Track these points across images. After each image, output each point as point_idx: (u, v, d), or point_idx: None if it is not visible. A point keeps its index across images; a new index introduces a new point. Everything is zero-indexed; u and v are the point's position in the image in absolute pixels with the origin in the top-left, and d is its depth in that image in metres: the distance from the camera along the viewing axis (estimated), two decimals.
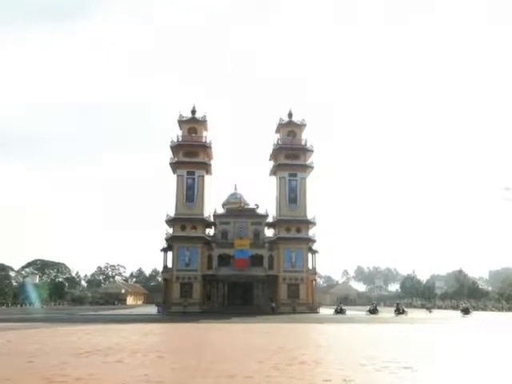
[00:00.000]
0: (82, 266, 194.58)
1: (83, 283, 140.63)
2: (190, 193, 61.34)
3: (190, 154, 62.44)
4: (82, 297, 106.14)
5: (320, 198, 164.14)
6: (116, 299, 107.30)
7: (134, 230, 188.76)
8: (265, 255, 60.71)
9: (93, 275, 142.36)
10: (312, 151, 63.54)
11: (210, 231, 63.96)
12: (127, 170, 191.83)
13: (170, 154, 63.23)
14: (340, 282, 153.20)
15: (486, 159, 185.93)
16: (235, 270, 58.42)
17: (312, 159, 63.79)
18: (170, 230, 61.42)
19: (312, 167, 63.28)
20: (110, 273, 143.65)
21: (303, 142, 64.19)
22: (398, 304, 51.25)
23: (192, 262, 59.38)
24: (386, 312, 55.89)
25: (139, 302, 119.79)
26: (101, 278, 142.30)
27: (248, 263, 58.51)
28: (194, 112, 64.33)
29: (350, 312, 55.32)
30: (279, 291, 59.64)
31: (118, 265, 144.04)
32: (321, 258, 70.33)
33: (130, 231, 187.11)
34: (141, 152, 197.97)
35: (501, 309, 71.01)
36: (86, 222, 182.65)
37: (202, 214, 61.50)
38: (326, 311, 64.57)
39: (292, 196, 62.49)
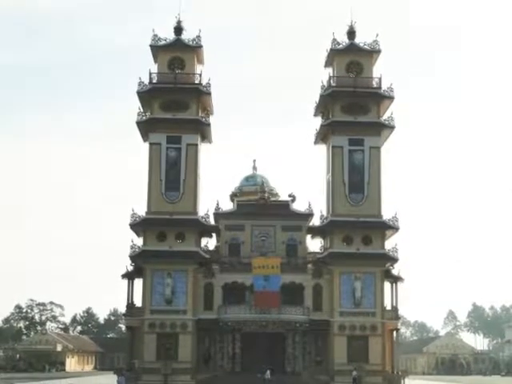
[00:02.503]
0: None
1: None
2: (172, 174, 61.17)
3: (173, 105, 62.15)
4: None
5: (406, 182, 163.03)
6: (47, 362, 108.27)
7: (76, 241, 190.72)
8: (307, 285, 60.38)
9: (7, 320, 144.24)
10: (391, 98, 62.59)
11: (209, 242, 63.87)
12: (62, 132, 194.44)
13: (137, 105, 62.93)
14: (442, 332, 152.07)
15: None
16: (254, 312, 58.20)
17: (392, 112, 63.05)
18: (139, 241, 61.44)
19: (391, 127, 62.44)
20: (36, 316, 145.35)
21: (375, 82, 63.49)
22: None
23: (177, 297, 59.22)
24: None
25: (88, 367, 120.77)
26: (21, 324, 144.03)
27: (278, 300, 58.14)
28: (179, 30, 63.90)
29: None
30: (333, 349, 59.28)
31: (51, 303, 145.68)
32: (407, 291, 68.95)
33: (70, 242, 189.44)
34: (86, 99, 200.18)
35: None
36: None
37: (195, 213, 61.31)
38: None
39: (356, 179, 62.04)
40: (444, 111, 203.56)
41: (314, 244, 64.76)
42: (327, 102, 63.77)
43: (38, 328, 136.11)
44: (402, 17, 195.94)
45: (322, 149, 66.71)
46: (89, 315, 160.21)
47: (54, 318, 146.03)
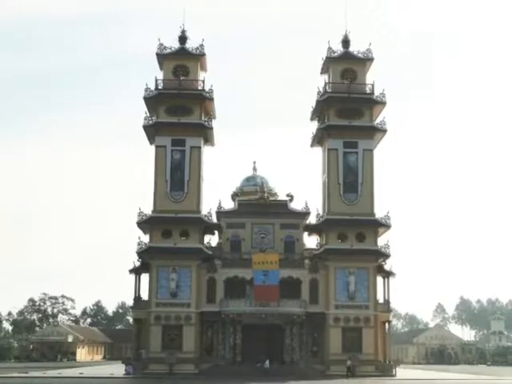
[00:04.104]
0: (2, 297, 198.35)
1: (6, 326, 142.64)
2: (177, 175, 61.29)
3: (178, 110, 62.30)
4: (4, 348, 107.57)
5: (397, 182, 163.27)
6: (59, 352, 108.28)
7: (85, 239, 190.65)
8: (304, 280, 60.44)
9: (21, 313, 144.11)
10: (383, 103, 62.69)
11: (212, 239, 64.04)
12: (73, 135, 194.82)
13: (144, 110, 63.04)
14: (431, 324, 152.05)
15: None
16: (254, 305, 58.24)
17: (384, 117, 63.23)
18: (146, 238, 61.50)
19: (383, 131, 62.54)
20: (48, 309, 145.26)
21: (368, 88, 63.55)
22: None
23: (182, 290, 59.40)
24: None
25: (97, 357, 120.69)
26: (34, 317, 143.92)
27: (276, 293, 58.15)
28: (183, 39, 63.96)
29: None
30: (329, 340, 59.45)
31: (63, 296, 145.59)
32: (398, 285, 69.31)
33: (81, 239, 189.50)
34: (95, 104, 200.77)
35: None
36: (6, 223, 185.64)
37: (199, 211, 61.40)
38: (409, 373, 63.72)
39: (350, 180, 62.14)
40: (434, 114, 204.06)
41: (311, 241, 65.01)
42: (323, 107, 63.90)
43: (51, 320, 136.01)
44: (395, 21, 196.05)
45: (318, 151, 66.89)
46: (98, 308, 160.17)
47: (65, 311, 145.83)
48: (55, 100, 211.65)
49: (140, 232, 62.20)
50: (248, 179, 70.97)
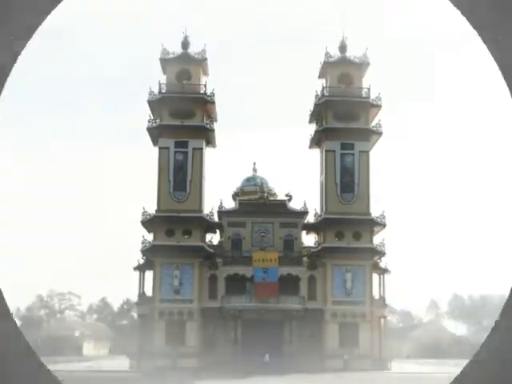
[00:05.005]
0: (11, 294, 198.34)
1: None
2: (180, 176, 61.51)
3: (181, 113, 62.48)
4: None
5: (392, 183, 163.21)
6: (66, 347, 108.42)
7: (91, 237, 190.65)
8: (303, 277, 60.69)
9: (29, 309, 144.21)
10: (379, 107, 62.99)
11: (214, 238, 64.26)
12: (81, 140, 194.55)
13: (147, 112, 63.33)
14: (425, 320, 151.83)
15: None
16: (255, 302, 58.52)
17: (379, 119, 63.51)
18: (150, 237, 61.76)
19: (379, 133, 62.87)
20: (56, 305, 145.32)
21: (364, 92, 63.79)
22: None
23: (184, 287, 59.65)
24: None
25: (103, 351, 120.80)
26: (42, 313, 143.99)
27: (276, 290, 58.45)
28: (186, 45, 64.24)
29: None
30: (326, 335, 59.71)
31: (70, 293, 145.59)
32: (394, 282, 69.44)
33: (86, 239, 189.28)
34: (103, 109, 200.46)
35: None
36: (15, 223, 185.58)
37: (201, 211, 61.68)
38: (403, 367, 63.84)
39: (346, 180, 62.42)
40: (431, 115, 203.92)
41: (309, 239, 65.42)
42: (321, 110, 64.17)
43: (58, 316, 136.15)
44: (394, 24, 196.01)
45: (316, 153, 67.21)
46: (104, 304, 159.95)
47: (72, 307, 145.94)
48: (60, 104, 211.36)
49: (144, 231, 62.50)
50: (248, 179, 71.18)
